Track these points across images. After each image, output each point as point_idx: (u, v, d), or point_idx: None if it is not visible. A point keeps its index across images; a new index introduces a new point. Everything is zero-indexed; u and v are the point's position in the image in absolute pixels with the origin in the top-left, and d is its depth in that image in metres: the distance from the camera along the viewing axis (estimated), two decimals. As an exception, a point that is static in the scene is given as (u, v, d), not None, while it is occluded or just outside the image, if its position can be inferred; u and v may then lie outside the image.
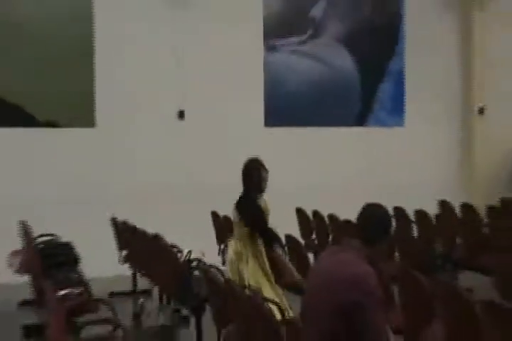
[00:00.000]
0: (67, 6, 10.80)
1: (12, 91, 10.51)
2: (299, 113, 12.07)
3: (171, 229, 7.99)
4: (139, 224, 8.39)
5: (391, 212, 7.30)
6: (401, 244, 7.76)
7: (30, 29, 10.57)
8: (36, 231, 8.27)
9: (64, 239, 8.35)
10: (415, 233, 9.37)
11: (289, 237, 7.65)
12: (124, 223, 8.83)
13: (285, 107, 11.97)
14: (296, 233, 8.68)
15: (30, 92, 10.56)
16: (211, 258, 7.83)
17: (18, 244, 7.86)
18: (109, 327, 5.43)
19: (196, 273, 6.88)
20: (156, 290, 8.35)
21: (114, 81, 10.81)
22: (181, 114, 11.23)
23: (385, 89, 12.74)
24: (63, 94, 10.67)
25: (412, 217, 9.74)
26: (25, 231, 7.93)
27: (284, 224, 7.16)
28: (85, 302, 6.08)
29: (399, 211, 9.63)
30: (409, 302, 5.29)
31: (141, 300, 8.08)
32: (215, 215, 9.64)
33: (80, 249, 7.96)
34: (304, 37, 12.18)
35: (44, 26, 10.66)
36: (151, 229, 7.88)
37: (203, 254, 7.42)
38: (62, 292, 6.52)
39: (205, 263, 7.06)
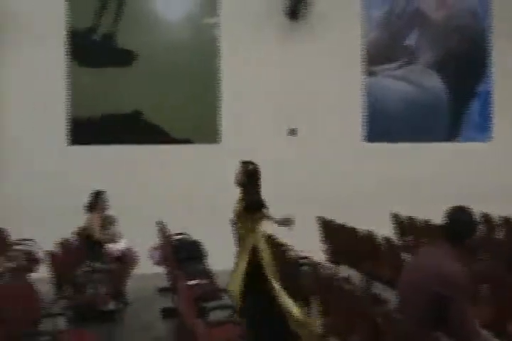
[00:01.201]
0: (196, 42, 11.11)
1: (152, 112, 10.85)
2: (395, 130, 11.90)
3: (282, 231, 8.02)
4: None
5: (479, 217, 7.11)
6: (488, 244, 7.54)
7: (164, 61, 10.93)
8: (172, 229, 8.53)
9: (194, 238, 8.59)
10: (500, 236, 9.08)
11: (385, 238, 7.57)
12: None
13: (382, 125, 11.84)
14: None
15: (167, 115, 10.88)
16: (317, 257, 7.85)
17: (155, 240, 8.11)
18: (230, 312, 5.56)
19: (304, 268, 6.89)
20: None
21: (237, 104, 11.00)
22: (293, 131, 11.29)
23: (474, 108, 12.41)
24: (194, 116, 10.96)
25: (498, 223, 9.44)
26: (163, 229, 8.16)
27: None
28: (211, 291, 6.20)
29: (486, 216, 9.36)
30: (497, 298, 5.13)
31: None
32: (319, 218, 9.64)
33: (207, 246, 8.16)
34: (399, 62, 12.03)
35: (176, 58, 11.00)
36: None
37: (309, 252, 7.41)
38: (192, 281, 6.70)
39: (312, 261, 7.06)
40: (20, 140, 10.43)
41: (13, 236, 9.23)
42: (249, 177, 6.28)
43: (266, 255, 6.12)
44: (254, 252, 6.10)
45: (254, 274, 6.02)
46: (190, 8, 11.12)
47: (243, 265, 6.11)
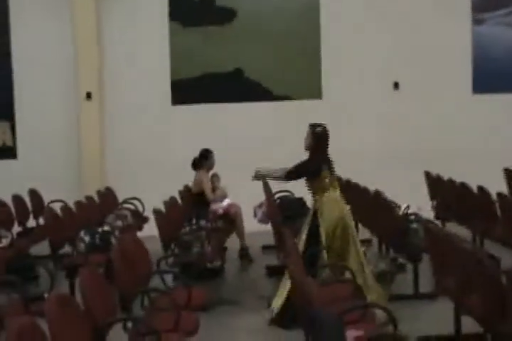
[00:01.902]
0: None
1: (252, 70, 10.72)
2: (505, 79, 11.21)
3: (390, 187, 7.78)
4: (362, 183, 8.26)
5: None
6: None
7: (263, 18, 10.71)
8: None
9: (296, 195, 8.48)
10: None
11: (499, 194, 7.19)
12: (348, 181, 8.73)
13: (492, 74, 11.16)
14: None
15: (268, 72, 10.72)
16: (426, 213, 7.59)
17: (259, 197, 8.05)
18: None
19: (414, 225, 6.67)
20: (375, 240, 8.22)
21: (338, 60, 10.66)
22: (396, 85, 10.85)
23: None
24: (294, 71, 10.73)
25: None
26: (266, 187, 8.09)
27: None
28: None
29: None
30: None
31: (363, 248, 7.98)
32: (427, 174, 9.29)
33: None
34: (508, 9, 11.27)
35: (279, 12, 10.74)
36: (372, 187, 7.72)
37: (419, 209, 7.18)
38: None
39: (421, 217, 6.83)
40: (128, 99, 10.53)
41: (121, 195, 9.45)
42: (317, 140, 6.01)
43: (327, 220, 5.88)
44: (315, 215, 5.96)
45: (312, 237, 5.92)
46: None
47: (305, 227, 6.04)
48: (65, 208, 7.69)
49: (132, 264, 4.91)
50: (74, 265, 6.21)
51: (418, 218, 6.69)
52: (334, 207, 5.93)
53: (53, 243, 6.99)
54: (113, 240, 6.87)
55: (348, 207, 6.10)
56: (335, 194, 6.02)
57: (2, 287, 5.28)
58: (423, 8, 10.76)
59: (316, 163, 6.00)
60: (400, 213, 6.92)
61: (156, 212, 6.89)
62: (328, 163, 6.05)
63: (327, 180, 5.97)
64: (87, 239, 6.98)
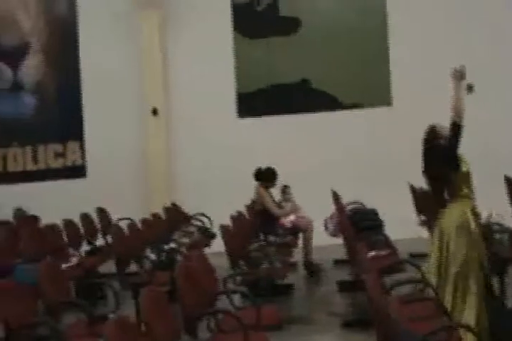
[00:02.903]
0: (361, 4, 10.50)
1: (319, 80, 10.44)
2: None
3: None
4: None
5: None
6: None
7: (329, 26, 10.45)
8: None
9: (369, 206, 8.11)
10: None
11: None
12: (421, 189, 8.28)
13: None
14: None
15: (335, 80, 10.42)
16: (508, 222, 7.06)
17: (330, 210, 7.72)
18: (419, 287, 5.01)
19: (497, 235, 6.19)
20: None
21: (404, 65, 10.22)
22: (470, 88, 10.28)
23: None
24: (363, 80, 10.41)
25: None
26: (337, 198, 7.78)
27: None
28: (394, 263, 5.71)
29: None
30: None
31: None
32: (507, 180, 8.72)
33: (383, 214, 7.65)
34: None
35: (344, 20, 10.48)
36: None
37: (502, 217, 6.67)
38: (372, 253, 6.25)
39: (505, 226, 6.34)
40: (194, 113, 10.39)
41: (189, 210, 9.29)
42: (425, 142, 5.25)
43: (457, 247, 4.74)
44: (442, 237, 4.84)
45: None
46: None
47: (433, 251, 4.87)
48: (132, 226, 7.57)
49: (197, 283, 4.66)
50: (139, 284, 6.02)
51: (502, 227, 6.20)
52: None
53: (119, 261, 6.83)
54: (179, 257, 6.66)
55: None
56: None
57: (70, 307, 5.17)
58: (495, 14, 10.18)
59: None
60: (482, 221, 6.45)
61: (223, 228, 6.65)
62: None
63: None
64: (152, 256, 6.79)
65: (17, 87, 10.92)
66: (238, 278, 6.09)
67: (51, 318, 4.63)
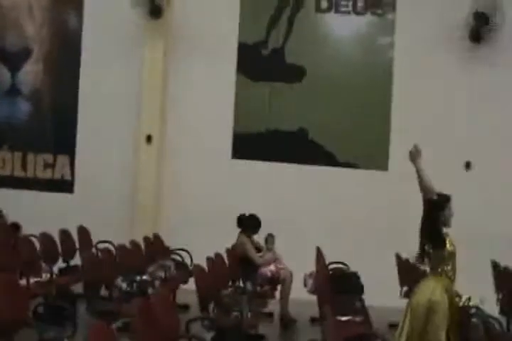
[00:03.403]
0: (368, 63, 10.52)
1: (317, 131, 10.40)
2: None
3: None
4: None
5: None
6: None
7: (334, 79, 10.44)
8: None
9: (352, 269, 8.00)
10: None
11: None
12: (407, 259, 8.19)
13: None
14: None
15: (334, 135, 10.38)
16: (489, 307, 6.94)
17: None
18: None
19: (474, 320, 6.06)
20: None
21: (405, 130, 10.18)
22: (468, 165, 10.28)
23: None
24: (362, 139, 10.35)
25: None
26: (320, 255, 7.69)
27: None
28: (363, 333, 5.58)
29: None
30: None
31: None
32: (494, 265, 8.64)
33: (366, 278, 7.54)
34: None
35: (349, 74, 10.47)
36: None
37: (482, 302, 6.55)
38: (344, 318, 6.13)
39: (483, 312, 6.22)
40: (188, 146, 10.37)
41: (171, 243, 9.19)
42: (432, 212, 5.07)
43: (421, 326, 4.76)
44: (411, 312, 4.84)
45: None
46: (363, 27, 10.47)
47: (405, 324, 4.87)
48: (108, 251, 7.45)
49: (156, 323, 4.52)
50: (105, 312, 5.90)
51: (479, 312, 6.08)
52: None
53: (88, 285, 6.69)
54: (150, 291, 6.54)
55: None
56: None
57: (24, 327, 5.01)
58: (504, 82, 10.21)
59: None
60: (460, 304, 6.33)
61: (197, 268, 6.53)
62: None
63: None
64: (124, 285, 6.68)
65: (14, 91, 10.84)
66: (206, 322, 5.95)
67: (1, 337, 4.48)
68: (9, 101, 10.88)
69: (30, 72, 10.80)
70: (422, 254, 5.14)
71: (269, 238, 8.29)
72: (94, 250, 8.39)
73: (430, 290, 4.92)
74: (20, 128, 10.82)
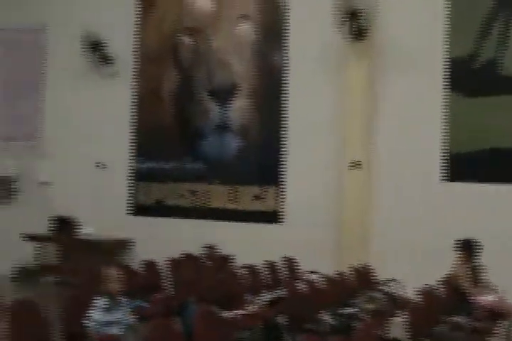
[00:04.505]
0: None
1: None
2: None
3: None
4: None
5: None
6: None
7: None
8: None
9: None
10: None
11: None
12: None
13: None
14: None
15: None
16: None
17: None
18: None
19: None
20: None
21: None
22: None
23: None
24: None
25: None
26: None
27: None
28: None
29: None
30: None
31: None
32: None
33: None
34: None
35: None
36: None
37: None
38: None
39: None
40: (396, 171, 9.93)
41: (379, 273, 8.81)
42: None
43: None
44: None
45: None
46: None
47: None
48: (313, 282, 7.27)
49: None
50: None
51: None
52: None
53: (293, 317, 6.53)
54: (356, 324, 6.21)
55: None
56: None
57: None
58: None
59: None
60: None
61: (411, 304, 6.08)
62: None
63: None
64: (328, 318, 6.43)
65: (223, 127, 11.27)
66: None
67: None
68: (218, 137, 11.30)
69: (238, 108, 11.16)
70: None
71: (476, 269, 7.54)
72: (299, 281, 8.25)
73: None
74: (230, 163, 11.18)
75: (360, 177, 10.04)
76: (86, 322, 5.51)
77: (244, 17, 11.23)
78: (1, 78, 12.93)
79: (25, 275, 11.30)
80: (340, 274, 8.15)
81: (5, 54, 12.97)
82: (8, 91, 12.90)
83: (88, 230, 11.12)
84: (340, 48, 10.16)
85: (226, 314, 6.35)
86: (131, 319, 5.78)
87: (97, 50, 11.81)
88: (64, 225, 11.38)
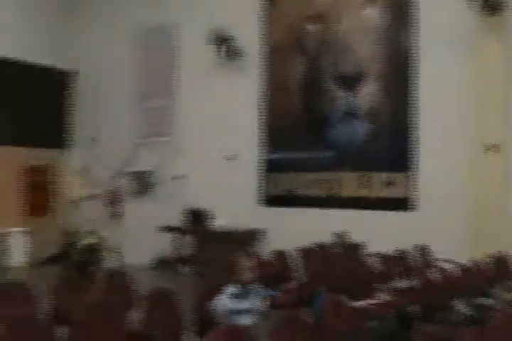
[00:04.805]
0: None
1: None
2: None
3: None
4: None
5: None
6: None
7: None
8: None
9: None
10: None
11: None
12: None
13: None
14: None
15: None
16: None
17: None
18: None
19: None
20: None
21: None
22: None
23: None
24: None
25: None
26: None
27: None
28: None
29: None
30: None
31: None
32: None
33: None
34: None
35: None
36: None
37: None
38: None
39: None
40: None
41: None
42: None
43: None
44: None
45: None
46: None
47: None
48: (446, 270, 7.04)
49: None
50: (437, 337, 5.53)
51: None
52: None
53: (424, 307, 6.36)
54: (490, 315, 5.95)
55: None
56: None
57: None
58: None
59: None
60: None
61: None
62: None
63: None
64: (462, 308, 6.20)
65: (351, 113, 11.14)
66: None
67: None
68: (346, 123, 11.20)
69: (366, 93, 11.00)
70: None
71: None
72: (432, 269, 8.03)
73: None
74: (360, 150, 11.06)
75: (497, 160, 9.61)
76: (214, 308, 5.62)
77: (370, 0, 11.02)
78: (141, 77, 13.53)
79: (163, 265, 11.80)
80: (476, 263, 7.84)
81: (143, 54, 13.56)
82: (145, 89, 13.48)
83: (221, 222, 11.42)
84: (473, 25, 9.74)
85: (356, 303, 6.30)
86: (262, 307, 5.84)
87: (225, 45, 12.07)
88: (197, 217, 11.76)
